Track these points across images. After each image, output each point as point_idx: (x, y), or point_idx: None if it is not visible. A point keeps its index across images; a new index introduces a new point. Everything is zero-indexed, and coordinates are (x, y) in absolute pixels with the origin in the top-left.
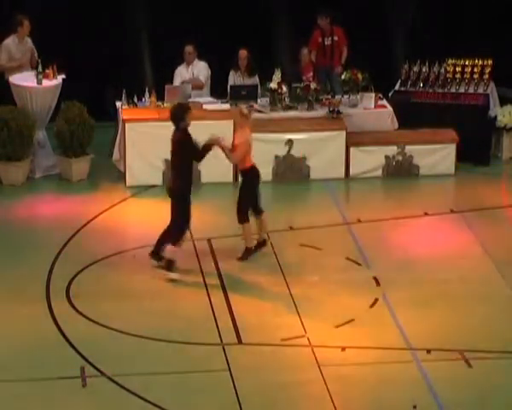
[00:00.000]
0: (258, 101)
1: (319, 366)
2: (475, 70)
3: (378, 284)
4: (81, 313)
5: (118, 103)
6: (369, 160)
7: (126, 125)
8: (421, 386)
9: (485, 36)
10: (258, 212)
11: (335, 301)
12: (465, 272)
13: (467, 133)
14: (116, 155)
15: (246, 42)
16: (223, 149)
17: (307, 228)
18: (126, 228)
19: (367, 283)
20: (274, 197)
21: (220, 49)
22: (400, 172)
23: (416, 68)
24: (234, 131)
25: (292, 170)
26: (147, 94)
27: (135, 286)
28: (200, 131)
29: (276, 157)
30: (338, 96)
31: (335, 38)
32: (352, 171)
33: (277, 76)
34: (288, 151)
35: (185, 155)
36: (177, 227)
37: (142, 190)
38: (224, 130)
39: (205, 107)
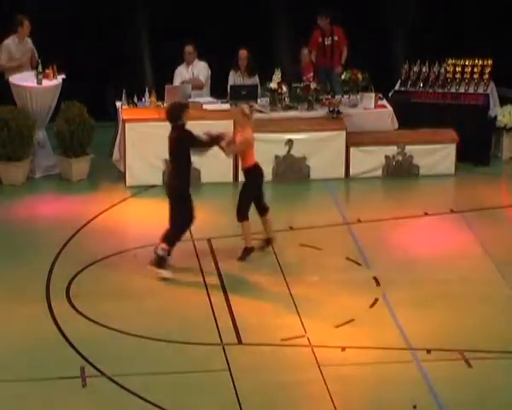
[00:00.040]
0: (258, 101)
1: (319, 366)
2: (475, 70)
3: (378, 284)
4: (81, 313)
5: (118, 103)
6: (369, 160)
7: (126, 125)
8: (421, 386)
9: (485, 36)
10: (263, 210)
11: (335, 301)
12: (465, 272)
13: (467, 133)
14: (116, 155)
15: (246, 42)
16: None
17: (307, 228)
18: (126, 228)
19: (367, 283)
20: (274, 197)
21: (220, 49)
22: (400, 172)
23: (416, 68)
24: (234, 131)
25: (292, 170)
26: (147, 94)
27: (135, 286)
28: (200, 131)
29: (276, 157)
30: (338, 96)
31: (335, 38)
32: (351, 171)
33: (277, 76)
34: (288, 151)
35: (183, 153)
36: (177, 227)
37: (142, 190)
38: (224, 130)
39: (205, 107)
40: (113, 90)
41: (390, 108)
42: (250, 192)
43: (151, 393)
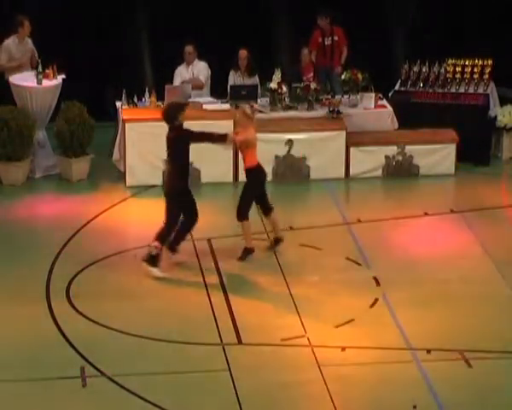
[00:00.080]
0: (259, 101)
1: (319, 366)
2: (475, 70)
3: (378, 284)
4: (81, 313)
5: (118, 103)
6: (369, 160)
7: (126, 125)
8: (421, 386)
9: (485, 36)
10: (267, 210)
11: (335, 301)
12: (465, 272)
13: (467, 133)
14: (116, 155)
15: (246, 42)
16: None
17: (307, 228)
18: (126, 228)
19: (367, 283)
20: (274, 197)
21: (220, 49)
22: (400, 172)
23: (416, 68)
24: (234, 131)
25: (292, 170)
26: (147, 94)
27: (135, 286)
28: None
29: (276, 157)
30: (338, 96)
31: (335, 38)
32: (352, 171)
33: (277, 76)
34: (288, 151)
35: (182, 153)
36: (167, 228)
37: (142, 190)
38: (224, 130)
39: (205, 107)
40: (113, 90)
41: (390, 108)
42: (251, 192)
43: (151, 393)
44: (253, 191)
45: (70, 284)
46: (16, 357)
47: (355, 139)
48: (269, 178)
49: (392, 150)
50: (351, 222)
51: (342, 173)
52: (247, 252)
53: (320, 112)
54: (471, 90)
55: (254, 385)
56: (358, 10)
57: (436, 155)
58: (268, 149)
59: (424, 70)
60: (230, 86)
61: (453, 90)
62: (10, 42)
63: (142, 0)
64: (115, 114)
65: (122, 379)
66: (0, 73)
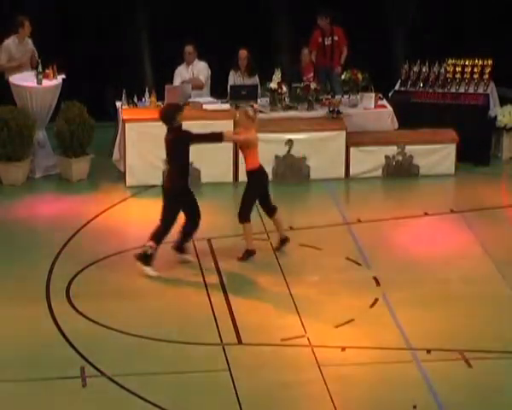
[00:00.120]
0: (259, 101)
1: (319, 366)
2: (475, 70)
3: (378, 284)
4: (81, 313)
5: (118, 103)
6: (369, 160)
7: (126, 125)
8: (421, 386)
9: (485, 36)
10: (271, 211)
11: (335, 301)
12: (465, 272)
13: (467, 133)
14: (116, 155)
15: (246, 42)
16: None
17: (307, 228)
18: (126, 228)
19: (367, 283)
20: (274, 197)
21: (220, 49)
22: (400, 172)
23: (416, 68)
24: (234, 131)
25: (292, 170)
26: (147, 94)
27: (135, 286)
28: (200, 131)
29: (276, 157)
30: (338, 96)
31: (335, 38)
32: (352, 171)
33: (277, 76)
34: (288, 151)
35: (181, 154)
36: (163, 227)
37: (142, 190)
38: (223, 130)
39: (205, 107)
40: (113, 90)
41: (390, 108)
42: (253, 194)
43: (151, 393)
44: (255, 193)
45: (70, 284)
46: (16, 357)
47: (355, 139)
48: (269, 178)
49: (392, 150)
50: (351, 222)
51: (342, 173)
52: (249, 254)
53: (320, 112)
54: (471, 90)
55: (254, 385)
56: (358, 10)
57: (436, 155)
58: (268, 149)
59: (424, 70)
60: (230, 86)
61: (453, 90)
62: (10, 42)
63: (142, 0)
64: (115, 114)
65: (122, 379)
66: (0, 73)
